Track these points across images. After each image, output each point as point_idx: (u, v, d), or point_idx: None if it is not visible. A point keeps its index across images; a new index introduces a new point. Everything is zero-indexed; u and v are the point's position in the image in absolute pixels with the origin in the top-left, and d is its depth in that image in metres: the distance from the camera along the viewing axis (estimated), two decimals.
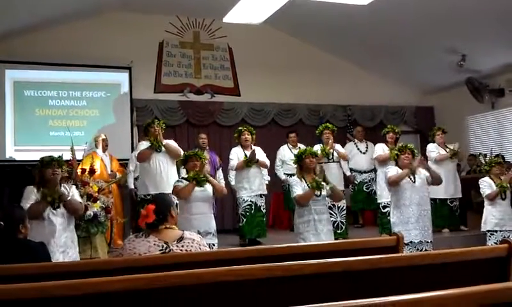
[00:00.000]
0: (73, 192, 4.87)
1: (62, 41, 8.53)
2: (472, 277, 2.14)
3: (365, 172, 8.35)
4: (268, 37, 9.78)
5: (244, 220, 6.96)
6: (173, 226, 3.12)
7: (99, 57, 8.71)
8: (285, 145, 8.17)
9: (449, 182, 7.51)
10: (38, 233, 4.15)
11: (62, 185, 4.82)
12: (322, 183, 5.30)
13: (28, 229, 3.43)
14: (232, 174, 7.45)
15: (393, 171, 5.79)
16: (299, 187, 5.31)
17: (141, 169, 6.65)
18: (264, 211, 7.16)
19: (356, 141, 8.71)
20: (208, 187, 5.22)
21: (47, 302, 2.02)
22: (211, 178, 5.36)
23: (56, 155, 4.94)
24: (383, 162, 7.31)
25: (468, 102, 9.74)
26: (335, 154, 7.40)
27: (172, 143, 6.66)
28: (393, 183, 5.71)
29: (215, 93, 9.71)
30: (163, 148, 6.47)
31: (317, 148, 7.12)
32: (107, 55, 8.75)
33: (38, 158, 4.84)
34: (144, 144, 6.58)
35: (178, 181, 5.37)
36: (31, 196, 4.58)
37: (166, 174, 6.43)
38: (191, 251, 2.99)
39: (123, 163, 7.76)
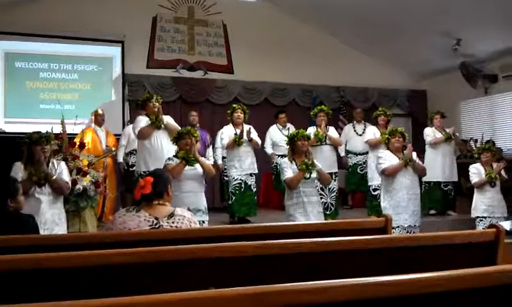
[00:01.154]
0: (61, 168, 4.82)
1: (55, 13, 8.41)
2: (461, 261, 2.16)
3: (360, 154, 8.18)
4: (263, 15, 9.71)
5: (234, 198, 6.97)
6: (166, 203, 3.11)
7: (92, 30, 8.60)
8: (274, 125, 8.11)
9: (446, 165, 7.59)
10: (23, 210, 4.12)
11: (50, 160, 4.78)
12: (312, 165, 5.29)
13: (20, 202, 3.41)
14: (219, 153, 7.40)
15: (386, 161, 5.71)
16: (289, 170, 5.28)
17: (141, 145, 6.29)
18: (255, 190, 7.16)
19: (354, 122, 8.55)
20: (199, 165, 5.14)
21: (37, 273, 2.02)
22: (201, 159, 5.25)
23: (46, 128, 4.89)
24: (375, 146, 7.29)
25: (461, 87, 9.73)
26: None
27: (171, 121, 6.32)
28: (391, 175, 5.69)
29: (208, 70, 9.64)
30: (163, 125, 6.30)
31: (311, 130, 7.08)
32: (100, 29, 8.65)
33: (27, 133, 4.80)
34: (143, 120, 6.22)
35: (169, 159, 5.27)
36: (18, 173, 4.55)
37: (167, 151, 6.23)
38: (181, 227, 2.99)
39: (118, 138, 7.71)
